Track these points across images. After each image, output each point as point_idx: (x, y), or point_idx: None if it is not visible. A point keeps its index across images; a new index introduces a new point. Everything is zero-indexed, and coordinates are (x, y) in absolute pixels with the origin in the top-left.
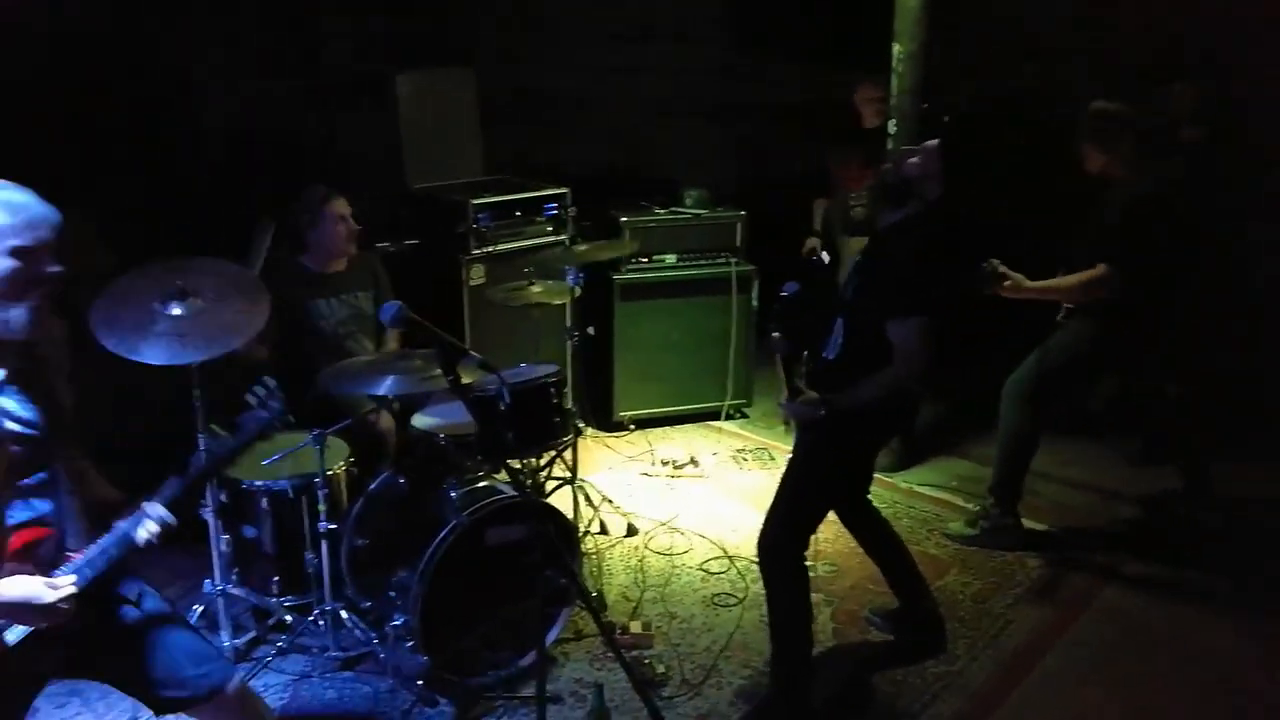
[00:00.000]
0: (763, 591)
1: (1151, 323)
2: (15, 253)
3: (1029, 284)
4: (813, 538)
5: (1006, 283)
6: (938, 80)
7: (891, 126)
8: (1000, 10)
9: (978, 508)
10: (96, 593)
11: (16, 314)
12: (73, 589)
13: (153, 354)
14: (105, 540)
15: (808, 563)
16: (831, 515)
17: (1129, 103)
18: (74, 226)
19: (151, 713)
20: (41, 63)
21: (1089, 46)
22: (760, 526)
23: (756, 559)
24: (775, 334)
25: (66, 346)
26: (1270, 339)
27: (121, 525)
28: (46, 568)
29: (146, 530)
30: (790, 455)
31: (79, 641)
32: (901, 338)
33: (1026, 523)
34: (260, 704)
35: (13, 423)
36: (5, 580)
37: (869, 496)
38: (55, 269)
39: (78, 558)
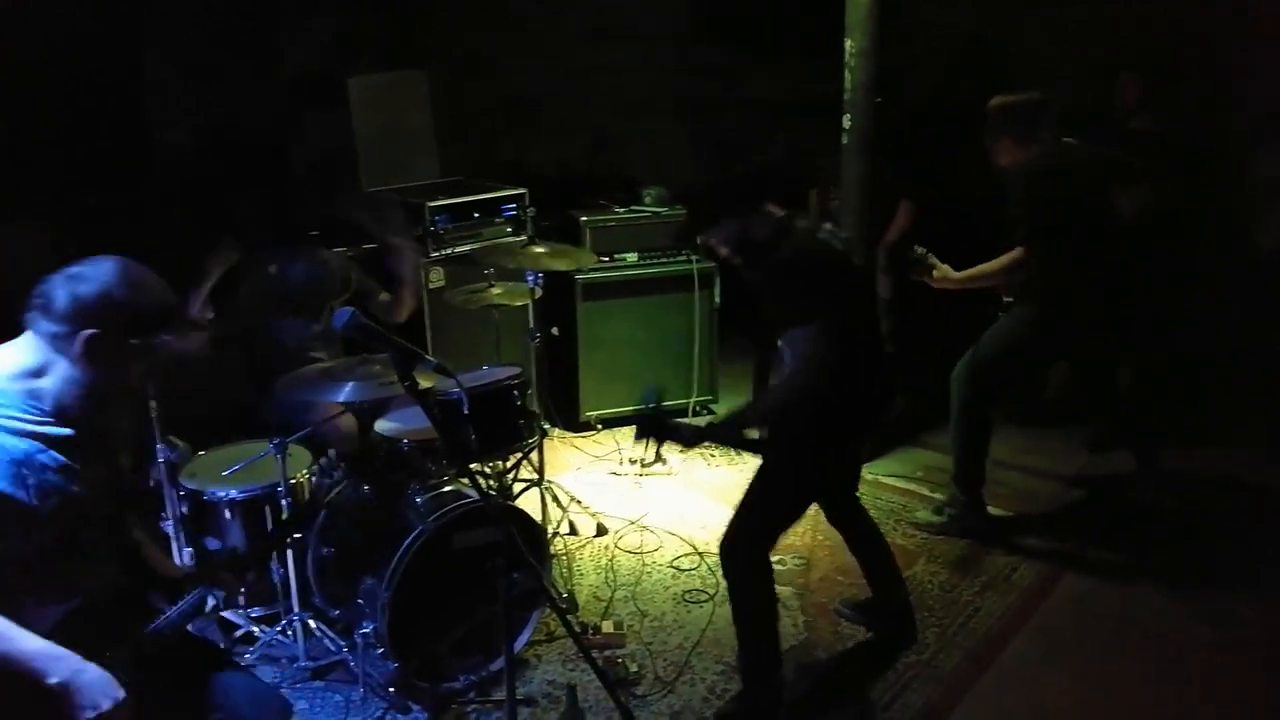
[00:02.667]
0: None
1: (1088, 306)
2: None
3: (955, 274)
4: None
5: (935, 272)
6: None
7: (846, 122)
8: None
9: (944, 497)
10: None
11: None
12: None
13: None
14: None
15: (776, 558)
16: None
17: (1025, 91)
18: (27, 236)
19: None
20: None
21: (1040, 40)
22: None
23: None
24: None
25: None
26: (1224, 324)
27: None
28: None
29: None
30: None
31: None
32: (796, 349)
33: (991, 510)
34: None
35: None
36: (77, 659)
37: (856, 498)
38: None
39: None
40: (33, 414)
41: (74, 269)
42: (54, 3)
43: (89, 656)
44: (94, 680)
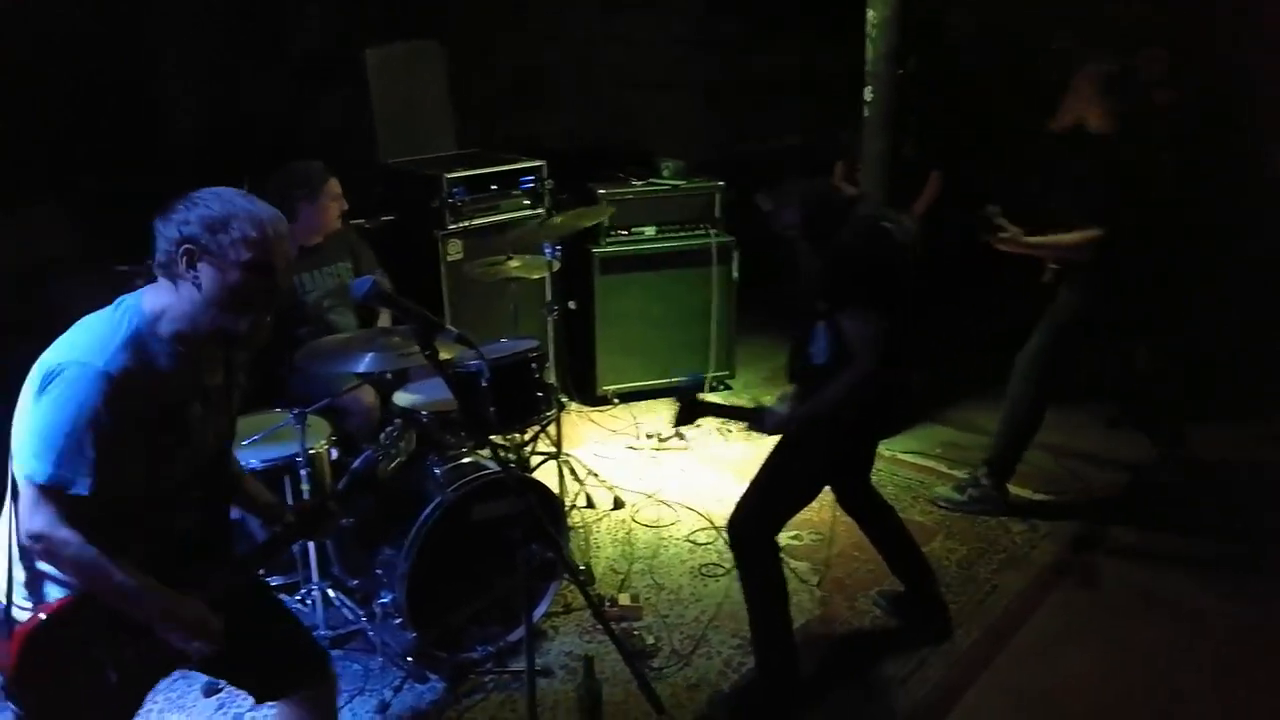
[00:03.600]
0: None
1: (1133, 287)
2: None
3: (1026, 239)
4: None
5: (1004, 234)
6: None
7: (868, 94)
8: None
9: (964, 474)
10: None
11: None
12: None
13: None
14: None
15: (792, 533)
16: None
17: (1117, 60)
18: (43, 220)
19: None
20: (10, 53)
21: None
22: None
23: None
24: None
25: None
26: (1246, 304)
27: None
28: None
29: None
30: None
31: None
32: (853, 333)
33: (1011, 489)
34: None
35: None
36: (179, 597)
37: (870, 482)
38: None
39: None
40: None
41: (170, 208)
42: None
43: (182, 586)
44: (193, 612)
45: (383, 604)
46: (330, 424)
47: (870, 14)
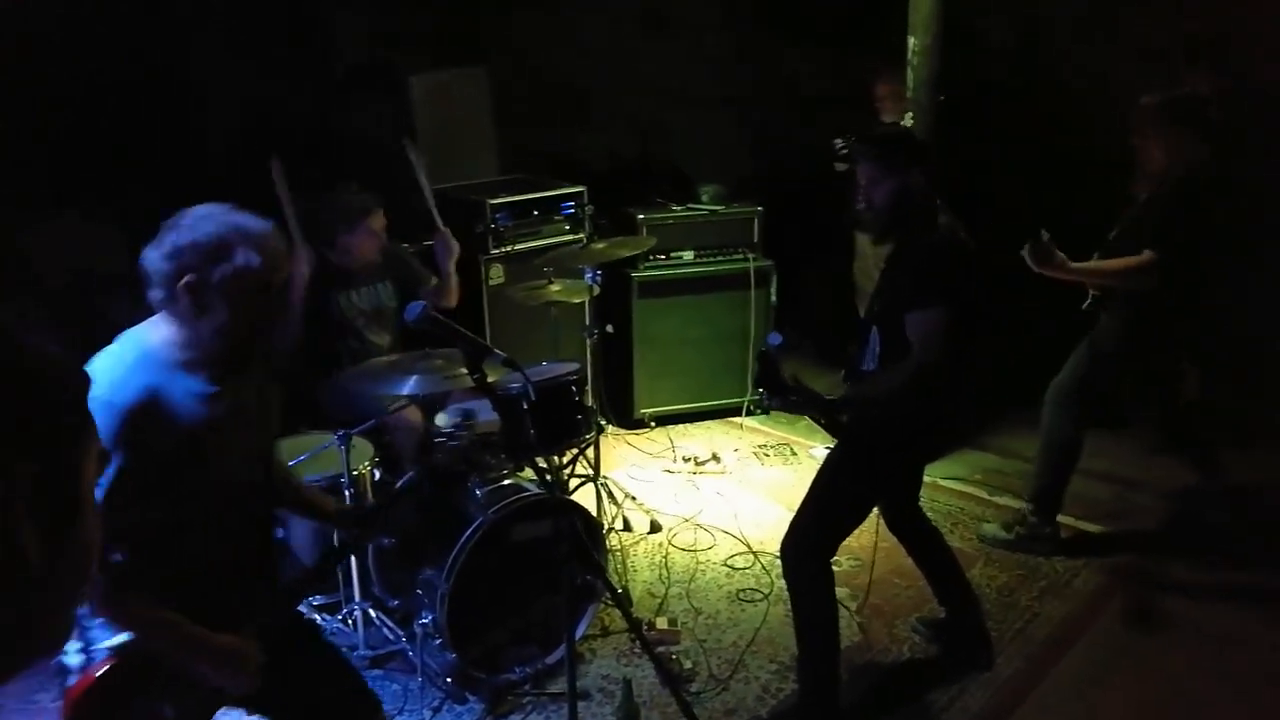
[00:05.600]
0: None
1: (1178, 316)
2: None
3: (1072, 265)
4: None
5: (1051, 260)
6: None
7: (908, 120)
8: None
9: (1004, 501)
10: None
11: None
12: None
13: None
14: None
15: (832, 559)
16: None
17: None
18: (92, 228)
19: None
20: (55, 65)
21: (1105, 31)
22: (785, 522)
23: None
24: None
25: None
26: None
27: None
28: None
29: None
30: (824, 459)
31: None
32: (916, 329)
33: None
34: None
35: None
36: (209, 636)
37: (918, 504)
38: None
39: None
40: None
41: (156, 238)
42: (107, 4)
43: (223, 615)
44: (226, 647)
45: (423, 624)
46: (373, 444)
47: (911, 41)
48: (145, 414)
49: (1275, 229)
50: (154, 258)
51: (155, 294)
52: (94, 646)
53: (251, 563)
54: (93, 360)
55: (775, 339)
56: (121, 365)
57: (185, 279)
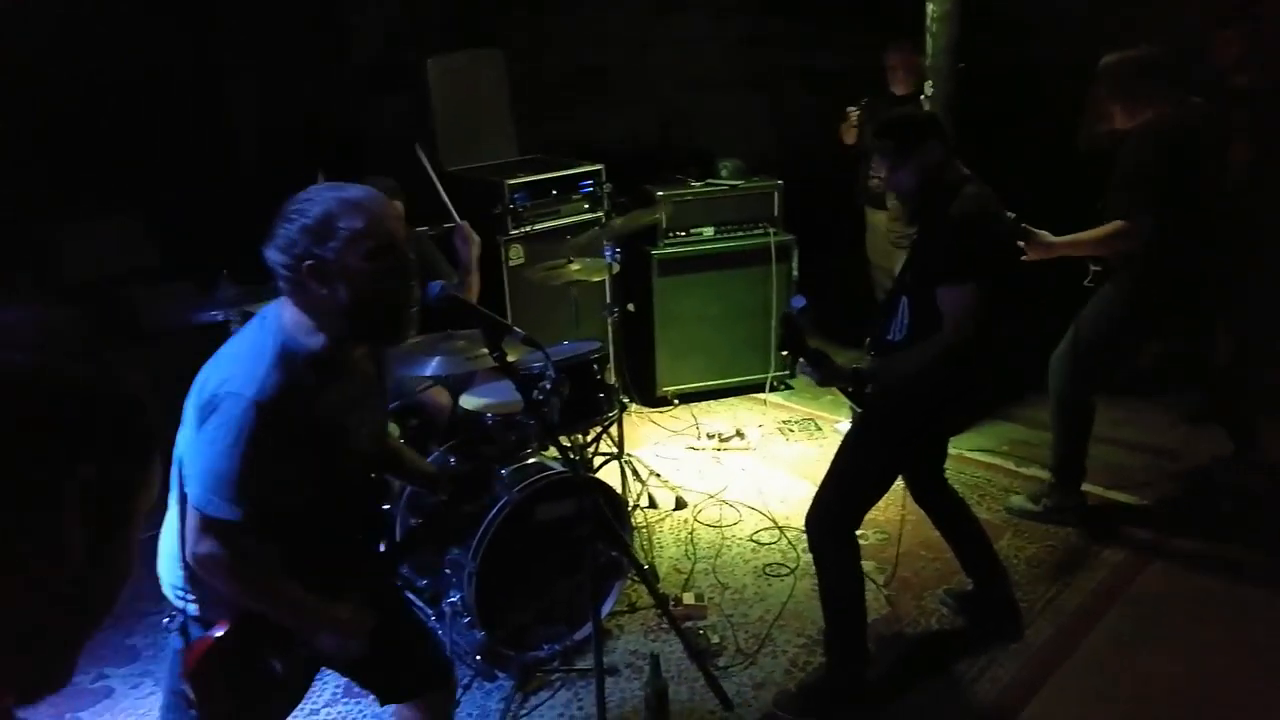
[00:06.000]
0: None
1: (1187, 279)
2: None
3: (1054, 240)
4: None
5: (1031, 238)
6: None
7: (928, 88)
8: None
9: (1031, 472)
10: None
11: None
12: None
13: None
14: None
15: (859, 531)
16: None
17: (1138, 49)
18: (121, 228)
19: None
20: (81, 69)
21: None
22: (810, 498)
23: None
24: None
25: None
26: None
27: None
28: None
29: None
30: (846, 432)
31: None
32: (950, 303)
33: (1085, 488)
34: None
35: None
36: (329, 606)
37: (944, 475)
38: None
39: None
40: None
41: (271, 236)
42: (132, 5)
43: (341, 585)
44: (344, 615)
45: (451, 603)
46: (399, 425)
47: (930, 7)
48: (287, 406)
49: None
50: (273, 254)
51: (284, 286)
52: (217, 611)
53: (363, 531)
54: (239, 344)
55: (799, 301)
56: (263, 357)
57: (306, 264)
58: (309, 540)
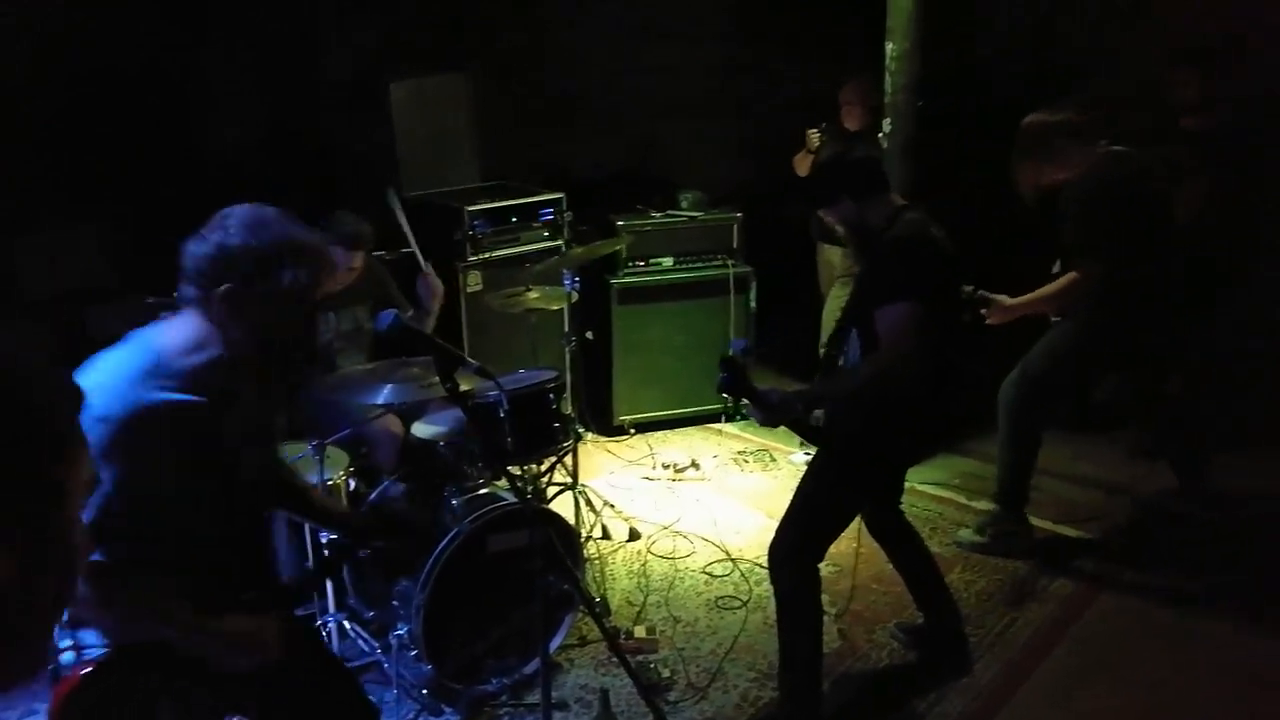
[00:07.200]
0: (767, 593)
1: (1138, 321)
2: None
3: (1013, 301)
4: None
5: (988, 308)
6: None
7: (886, 125)
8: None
9: (982, 507)
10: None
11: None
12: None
13: None
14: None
15: (819, 563)
16: None
17: (1055, 109)
18: (79, 243)
19: None
20: (41, 79)
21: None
22: (765, 529)
23: (766, 564)
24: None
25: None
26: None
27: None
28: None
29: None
30: (809, 463)
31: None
32: (885, 322)
33: (1032, 521)
34: None
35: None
36: (223, 619)
37: (900, 508)
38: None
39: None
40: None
41: (203, 230)
42: (105, 12)
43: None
44: (242, 626)
45: (399, 636)
46: (349, 454)
47: (889, 47)
48: (146, 427)
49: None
50: (196, 254)
51: (187, 291)
52: (85, 646)
53: (252, 566)
54: (93, 365)
55: (739, 344)
56: (122, 377)
57: (225, 287)
58: (191, 570)
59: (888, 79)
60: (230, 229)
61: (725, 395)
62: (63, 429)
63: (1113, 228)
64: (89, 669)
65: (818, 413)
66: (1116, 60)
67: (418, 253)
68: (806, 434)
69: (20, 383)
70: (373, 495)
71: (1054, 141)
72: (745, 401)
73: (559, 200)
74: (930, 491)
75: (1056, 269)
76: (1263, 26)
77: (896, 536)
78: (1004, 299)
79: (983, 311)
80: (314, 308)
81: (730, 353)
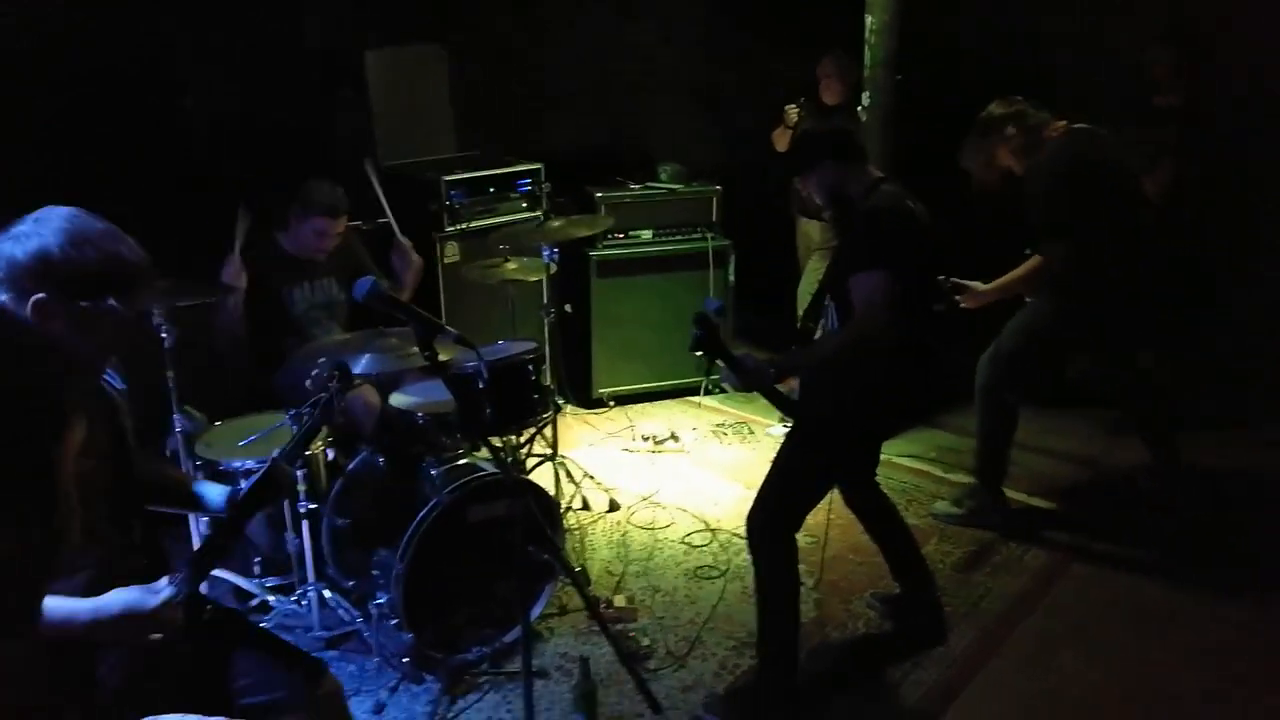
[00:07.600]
0: (745, 563)
1: (1106, 299)
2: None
3: (985, 287)
4: None
5: (962, 295)
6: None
7: (865, 99)
8: None
9: (959, 480)
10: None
11: None
12: (173, 590)
13: None
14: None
15: (796, 532)
16: None
17: (1008, 100)
18: None
19: None
20: (17, 63)
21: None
22: (743, 500)
23: (744, 535)
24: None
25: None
26: (1254, 307)
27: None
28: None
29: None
30: (786, 433)
31: (181, 662)
32: (859, 289)
33: (1008, 493)
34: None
35: None
36: (102, 597)
37: (875, 480)
38: None
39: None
40: None
41: (17, 227)
42: (105, 12)
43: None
44: (124, 601)
45: (379, 605)
46: (327, 425)
47: (869, 19)
48: None
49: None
50: (8, 253)
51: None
52: None
53: (139, 567)
54: None
55: (713, 303)
56: None
57: (36, 297)
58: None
59: (867, 53)
60: (48, 235)
61: (698, 353)
62: (61, 410)
63: (1080, 205)
64: None
65: (794, 383)
66: (1099, 36)
67: (393, 223)
68: (781, 404)
69: (23, 368)
70: (351, 466)
71: (1004, 130)
72: (720, 363)
73: (537, 171)
74: (907, 464)
75: (1029, 251)
76: (1247, 9)
77: (872, 509)
78: (977, 285)
79: (957, 298)
80: (132, 335)
81: (703, 311)
